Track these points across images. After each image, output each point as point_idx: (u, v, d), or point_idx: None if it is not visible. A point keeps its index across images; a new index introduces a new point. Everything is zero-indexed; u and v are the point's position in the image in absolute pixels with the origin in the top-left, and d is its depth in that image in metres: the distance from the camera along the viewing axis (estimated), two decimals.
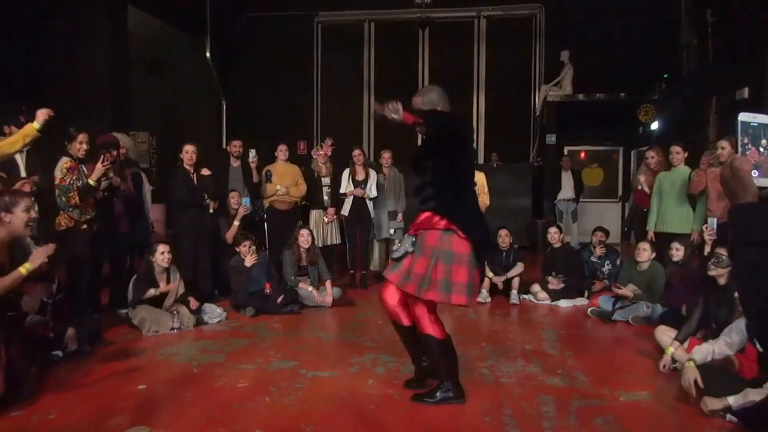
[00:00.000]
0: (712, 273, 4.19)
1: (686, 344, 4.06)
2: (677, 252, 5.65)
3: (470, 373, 4.11)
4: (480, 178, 7.16)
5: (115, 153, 5.75)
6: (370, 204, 7.48)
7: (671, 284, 5.62)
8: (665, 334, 4.44)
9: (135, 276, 5.52)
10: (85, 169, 5.42)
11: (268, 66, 12.93)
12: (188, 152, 6.37)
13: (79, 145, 5.39)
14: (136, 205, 6.32)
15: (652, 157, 6.81)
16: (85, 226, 5.39)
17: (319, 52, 13.42)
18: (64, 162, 5.35)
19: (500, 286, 6.79)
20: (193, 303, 5.51)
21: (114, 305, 5.87)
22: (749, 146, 1.48)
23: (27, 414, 3.33)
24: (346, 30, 13.41)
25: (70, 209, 5.29)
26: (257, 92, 12.84)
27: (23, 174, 5.41)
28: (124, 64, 9.31)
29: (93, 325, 4.81)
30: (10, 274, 3.26)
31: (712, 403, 3.26)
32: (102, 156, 5.29)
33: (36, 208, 5.44)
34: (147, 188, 6.59)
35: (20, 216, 3.35)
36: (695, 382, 3.37)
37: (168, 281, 5.47)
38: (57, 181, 5.29)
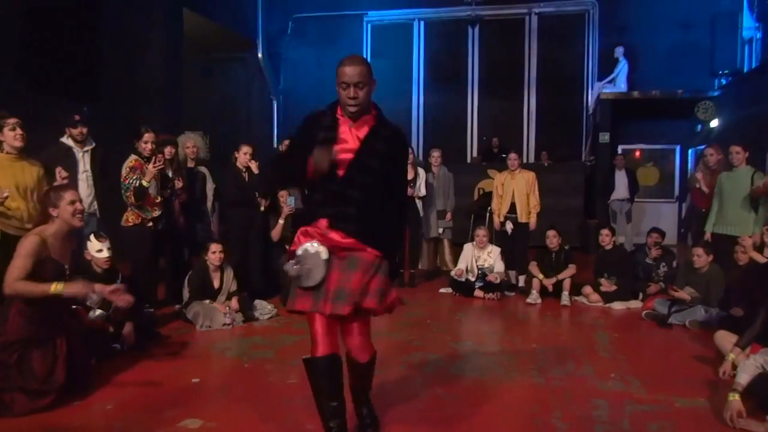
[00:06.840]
0: None
1: (748, 350, 3.90)
2: (743, 255, 5.42)
3: (520, 375, 4.07)
4: (529, 177, 7.19)
5: (166, 153, 5.86)
6: (419, 203, 7.45)
7: (732, 288, 5.41)
8: (726, 340, 4.27)
9: (190, 273, 5.64)
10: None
11: (318, 66, 13.06)
12: (246, 153, 6.44)
13: (145, 144, 5.56)
14: (195, 203, 6.49)
15: (711, 155, 6.55)
16: (150, 224, 5.59)
17: (369, 52, 13.47)
18: (129, 160, 5.53)
19: (550, 288, 6.64)
20: (222, 308, 5.39)
21: (170, 300, 6.01)
22: None
23: (86, 404, 3.46)
24: (395, 29, 13.43)
25: (134, 207, 5.50)
26: (308, 92, 12.97)
27: (86, 169, 5.49)
28: (178, 66, 9.57)
29: (150, 320, 4.96)
30: (41, 285, 3.36)
31: (756, 427, 3.12)
32: (154, 158, 5.44)
33: (96, 205, 5.67)
34: (210, 186, 6.75)
35: (66, 209, 3.54)
36: (739, 415, 3.17)
37: (221, 279, 5.57)
38: (122, 179, 5.49)
